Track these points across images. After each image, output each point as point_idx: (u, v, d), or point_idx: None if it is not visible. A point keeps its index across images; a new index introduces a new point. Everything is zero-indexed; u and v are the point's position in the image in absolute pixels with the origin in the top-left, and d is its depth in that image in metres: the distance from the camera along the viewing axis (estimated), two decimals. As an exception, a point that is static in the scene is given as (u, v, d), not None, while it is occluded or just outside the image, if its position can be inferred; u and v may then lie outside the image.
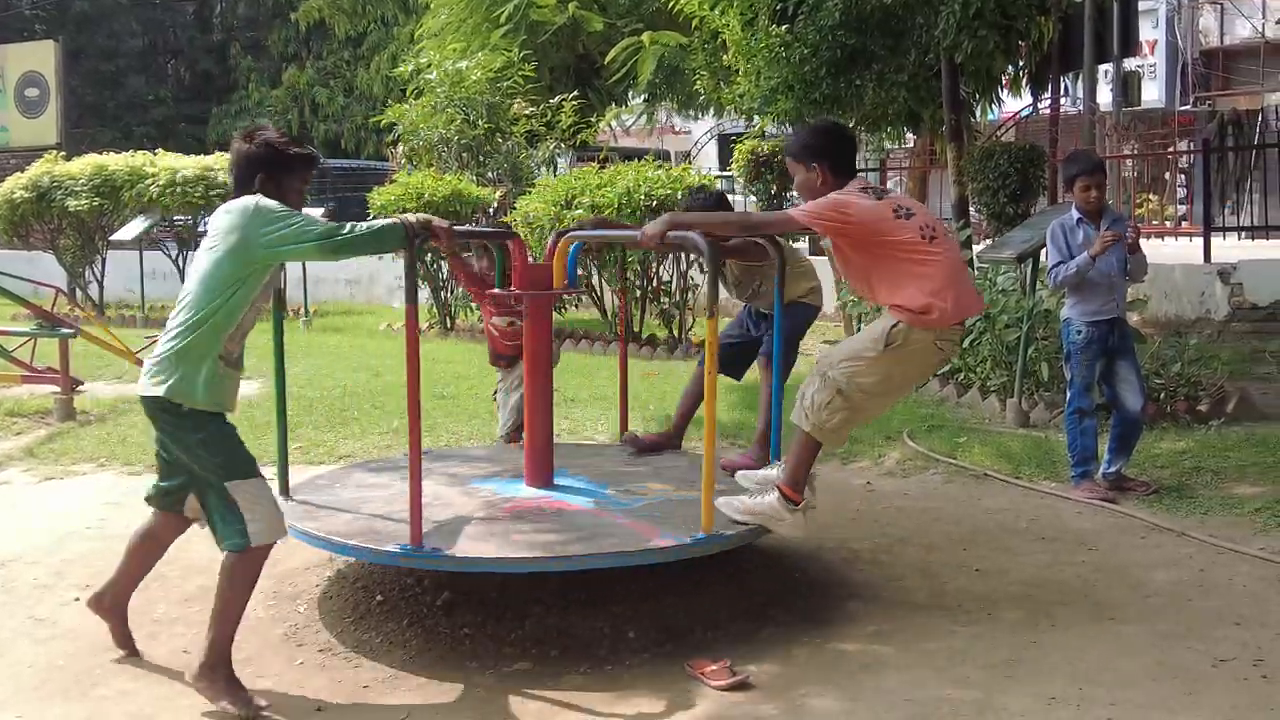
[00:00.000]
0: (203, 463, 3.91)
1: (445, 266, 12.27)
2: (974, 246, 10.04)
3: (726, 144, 22.98)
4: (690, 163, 18.70)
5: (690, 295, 11.85)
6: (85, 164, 16.10)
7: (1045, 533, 5.62)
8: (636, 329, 11.99)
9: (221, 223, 3.93)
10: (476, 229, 8.25)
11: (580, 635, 4.35)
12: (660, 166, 12.13)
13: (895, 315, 4.24)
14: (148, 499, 4.25)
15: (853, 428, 4.52)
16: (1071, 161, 6.35)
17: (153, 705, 3.87)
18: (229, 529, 3.87)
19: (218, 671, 3.86)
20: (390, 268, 16.41)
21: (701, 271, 11.45)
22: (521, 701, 3.87)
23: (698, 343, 11.49)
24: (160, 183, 15.31)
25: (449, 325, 13.38)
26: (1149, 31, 23.81)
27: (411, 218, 4.08)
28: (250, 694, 3.85)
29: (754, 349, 5.78)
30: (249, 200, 3.92)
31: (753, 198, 13.91)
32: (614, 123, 20.41)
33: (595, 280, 12.04)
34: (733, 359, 5.77)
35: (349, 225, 3.94)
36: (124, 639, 4.27)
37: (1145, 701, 3.77)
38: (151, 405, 3.92)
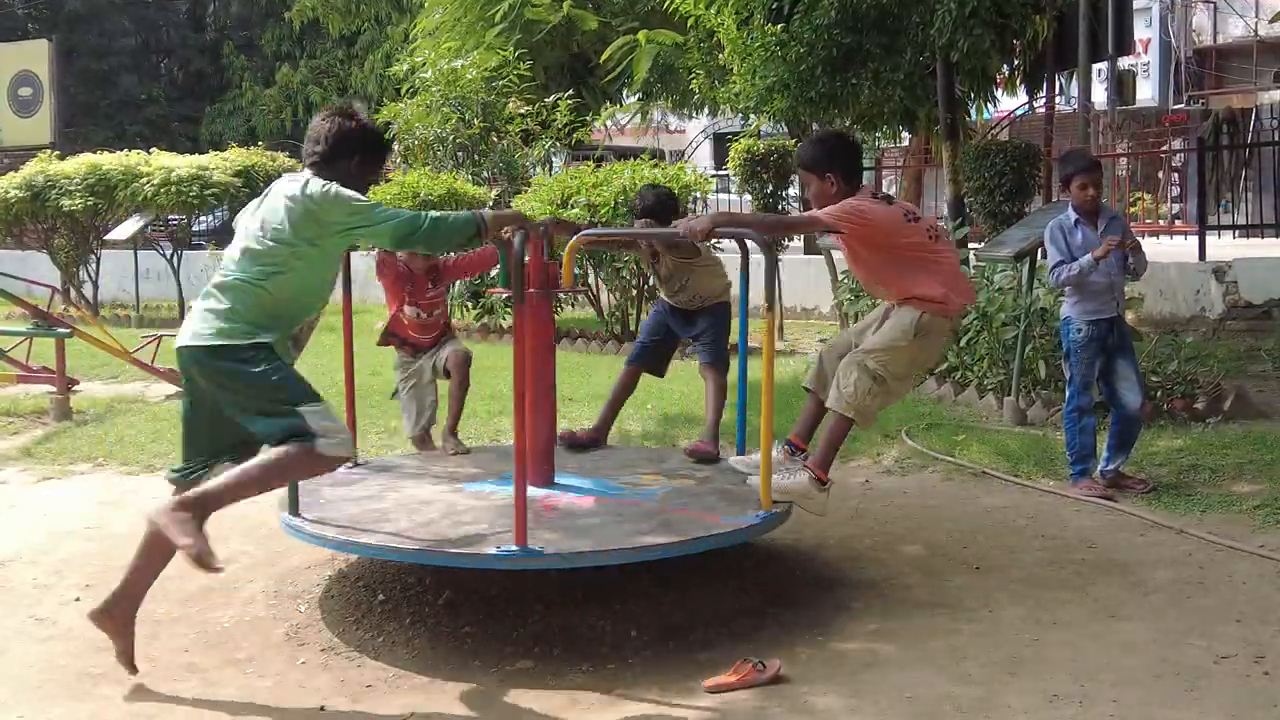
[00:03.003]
0: (268, 394, 3.86)
1: None
2: (970, 245, 10.04)
3: (721, 143, 22.98)
4: (685, 161, 18.72)
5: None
6: (79, 163, 16.04)
7: (1045, 530, 5.63)
8: (632, 327, 11.98)
9: (291, 191, 3.95)
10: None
11: (582, 633, 4.35)
12: (656, 165, 12.13)
13: (919, 307, 4.73)
14: (172, 480, 4.24)
15: (884, 408, 5.09)
16: (1068, 160, 6.36)
17: (154, 705, 3.86)
18: (299, 433, 3.83)
19: (194, 515, 3.81)
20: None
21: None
22: (525, 700, 3.87)
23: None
24: (155, 182, 15.24)
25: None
26: (1142, 30, 23.88)
27: (488, 213, 4.12)
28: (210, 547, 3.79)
29: (673, 347, 6.11)
30: (328, 186, 3.96)
31: (748, 197, 13.91)
32: (609, 122, 20.41)
33: (591, 279, 12.02)
34: (656, 358, 6.08)
35: (426, 215, 3.98)
36: (129, 657, 4.03)
37: (1148, 699, 3.78)
38: (207, 355, 3.90)
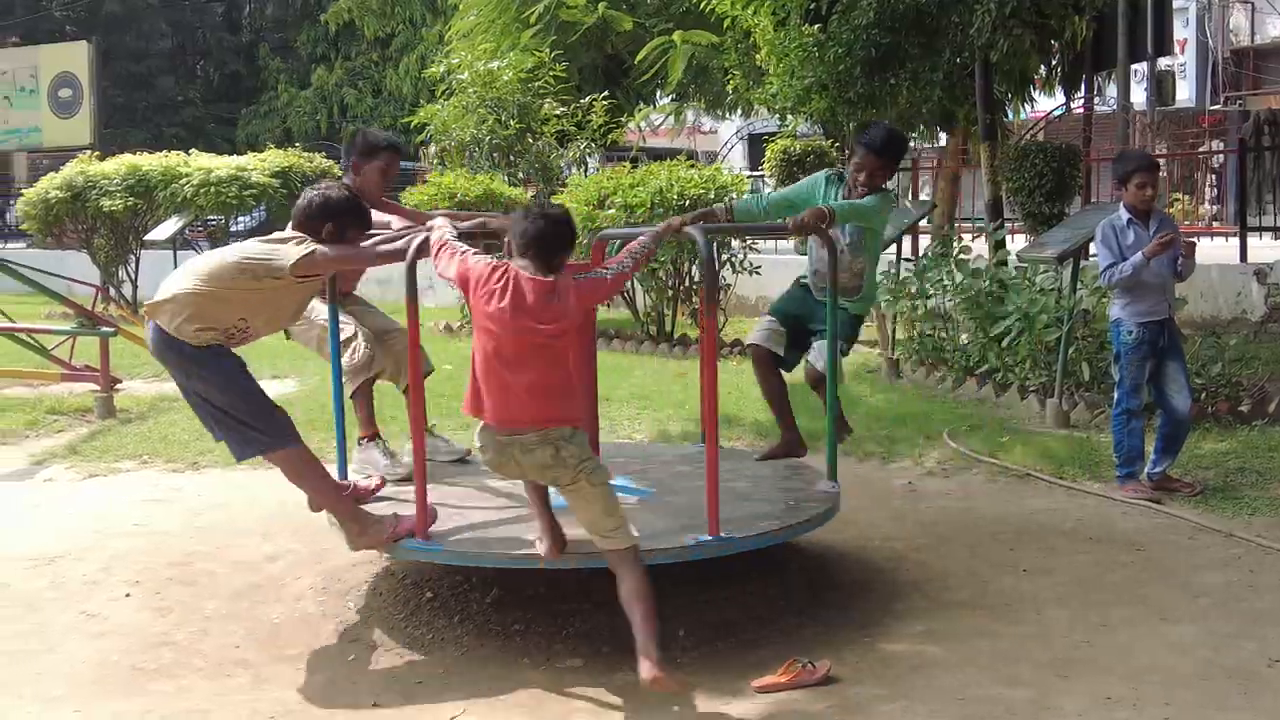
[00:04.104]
0: None
1: None
2: (1010, 245, 9.99)
3: (755, 144, 22.97)
4: (720, 163, 18.71)
5: (722, 295, 11.82)
6: (119, 164, 16.18)
7: (1091, 533, 5.60)
8: (668, 329, 11.98)
9: None
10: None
11: (630, 633, 4.34)
12: (693, 166, 12.13)
13: None
14: None
15: None
16: (1126, 159, 6.29)
17: (207, 700, 3.89)
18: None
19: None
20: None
21: (735, 270, 11.45)
22: (574, 699, 3.88)
23: (729, 342, 11.48)
24: (194, 183, 15.37)
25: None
26: (1179, 30, 23.65)
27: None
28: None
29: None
30: None
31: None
32: (643, 123, 20.42)
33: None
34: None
35: None
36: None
37: (1201, 701, 3.76)
38: None
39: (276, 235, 4.30)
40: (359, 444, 5.28)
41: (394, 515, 4.31)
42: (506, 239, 3.95)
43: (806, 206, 5.06)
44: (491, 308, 3.79)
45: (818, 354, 5.19)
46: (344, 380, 5.05)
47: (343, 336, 5.05)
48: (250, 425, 4.19)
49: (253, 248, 4.21)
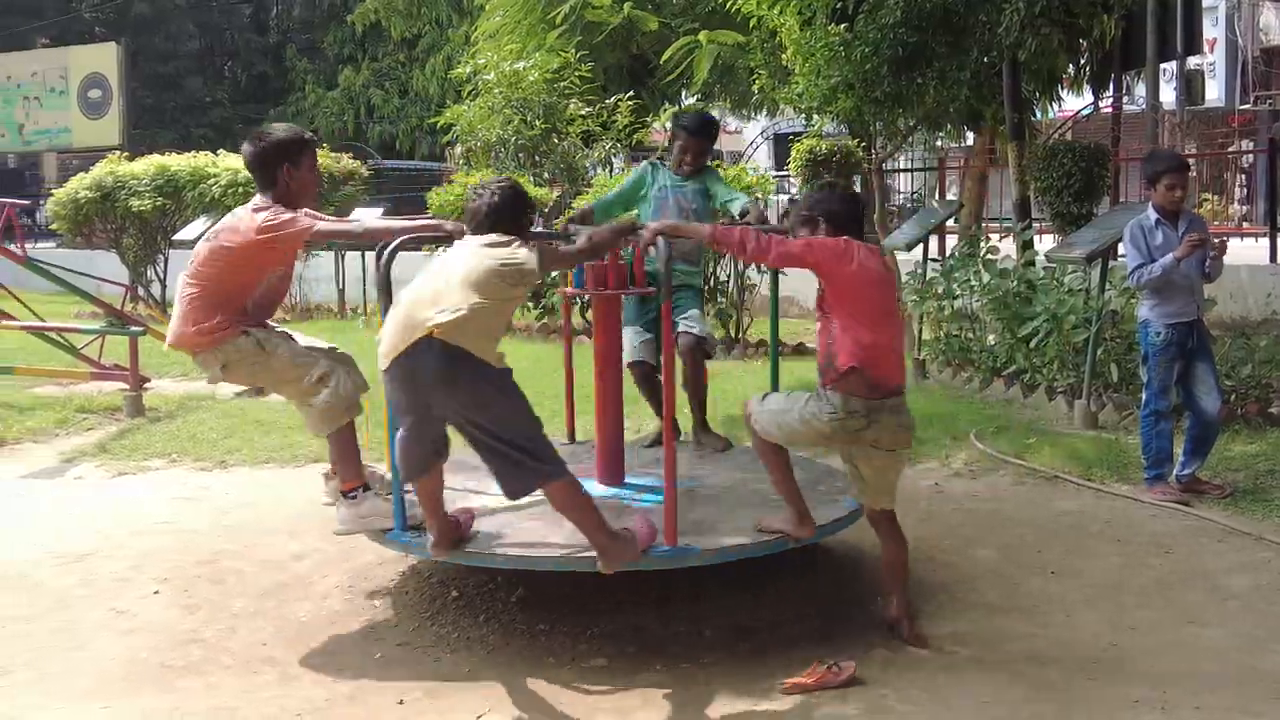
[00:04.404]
0: None
1: None
2: (1038, 245, 9.93)
3: (781, 144, 22.91)
4: (745, 163, 18.67)
5: (748, 295, 11.82)
6: (148, 164, 16.29)
7: (1120, 535, 5.56)
8: (696, 328, 11.96)
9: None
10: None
11: (656, 633, 4.36)
12: (718, 165, 12.11)
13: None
14: None
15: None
16: (1157, 159, 6.24)
17: (235, 698, 3.92)
18: None
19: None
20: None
21: (760, 272, 11.43)
22: (599, 698, 3.89)
23: (755, 343, 11.47)
24: (222, 183, 15.46)
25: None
26: (1209, 29, 23.47)
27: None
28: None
29: None
30: None
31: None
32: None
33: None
34: None
35: None
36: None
37: (1230, 704, 3.73)
38: None
39: (490, 239, 4.00)
40: (345, 498, 4.46)
41: (625, 530, 4.11)
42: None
43: (639, 199, 5.88)
44: (874, 269, 4.05)
45: (688, 324, 5.66)
46: (318, 424, 4.42)
47: (316, 372, 4.37)
48: (532, 454, 3.89)
49: (490, 252, 3.93)
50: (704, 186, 5.86)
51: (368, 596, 4.84)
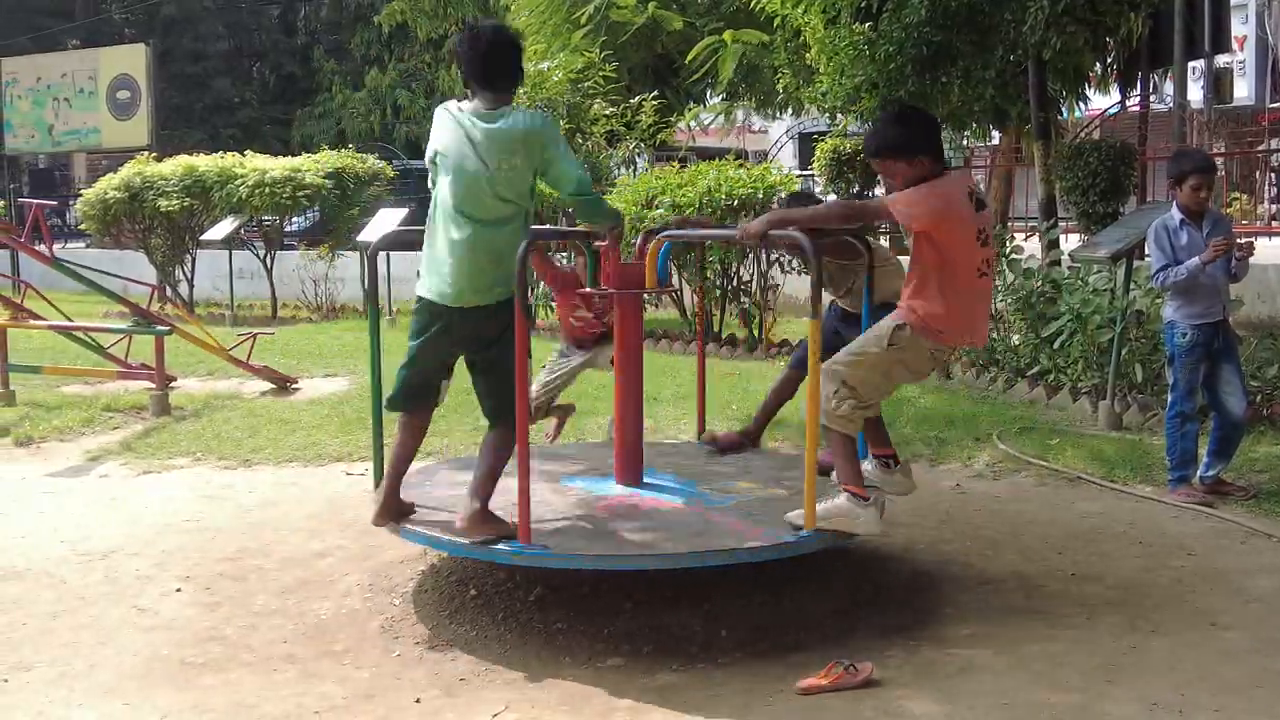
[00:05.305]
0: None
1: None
2: (1064, 244, 9.88)
3: (805, 143, 22.89)
4: (769, 162, 18.64)
5: (771, 295, 11.81)
6: (176, 165, 16.41)
7: (1142, 537, 5.52)
8: (716, 329, 11.97)
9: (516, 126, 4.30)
10: (561, 229, 8.29)
11: (673, 632, 4.36)
12: (741, 165, 12.11)
13: (904, 317, 4.33)
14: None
15: (860, 415, 4.42)
16: (1183, 159, 6.17)
17: (256, 695, 3.94)
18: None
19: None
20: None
21: (783, 270, 11.44)
22: (616, 697, 3.89)
23: (777, 343, 11.45)
24: (249, 184, 15.55)
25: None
26: (1238, 27, 23.27)
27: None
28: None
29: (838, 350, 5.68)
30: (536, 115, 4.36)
31: (833, 197, 13.82)
32: (692, 122, 20.40)
33: (675, 279, 12.03)
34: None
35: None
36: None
37: (1250, 708, 3.70)
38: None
39: None
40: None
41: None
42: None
43: None
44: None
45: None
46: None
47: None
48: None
49: None
50: None
51: (387, 594, 4.86)
